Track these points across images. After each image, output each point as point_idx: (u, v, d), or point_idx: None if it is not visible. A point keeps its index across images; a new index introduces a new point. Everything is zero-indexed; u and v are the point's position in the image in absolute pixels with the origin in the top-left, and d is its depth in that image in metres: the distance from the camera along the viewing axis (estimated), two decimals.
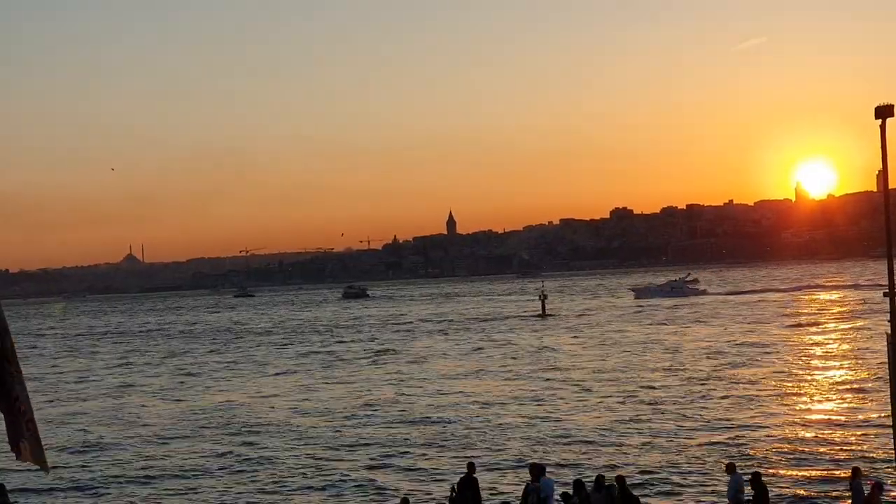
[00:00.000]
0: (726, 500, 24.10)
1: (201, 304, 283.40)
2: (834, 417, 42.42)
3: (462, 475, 25.49)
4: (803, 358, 66.28)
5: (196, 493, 34.49)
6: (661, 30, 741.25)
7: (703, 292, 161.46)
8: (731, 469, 24.11)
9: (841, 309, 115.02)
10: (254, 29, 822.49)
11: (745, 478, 23.23)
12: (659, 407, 47.16)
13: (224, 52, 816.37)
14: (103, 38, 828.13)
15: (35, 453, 7.95)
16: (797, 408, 45.70)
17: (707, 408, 46.05)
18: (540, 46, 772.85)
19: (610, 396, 51.72)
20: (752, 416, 43.06)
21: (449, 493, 25.26)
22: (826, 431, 38.87)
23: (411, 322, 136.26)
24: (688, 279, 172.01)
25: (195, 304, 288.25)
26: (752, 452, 35.23)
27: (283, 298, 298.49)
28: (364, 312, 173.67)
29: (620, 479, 23.89)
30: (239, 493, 33.99)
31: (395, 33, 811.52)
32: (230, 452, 41.01)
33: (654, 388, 54.08)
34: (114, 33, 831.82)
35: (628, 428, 41.80)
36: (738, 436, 38.71)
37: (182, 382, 71.76)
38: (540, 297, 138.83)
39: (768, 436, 38.37)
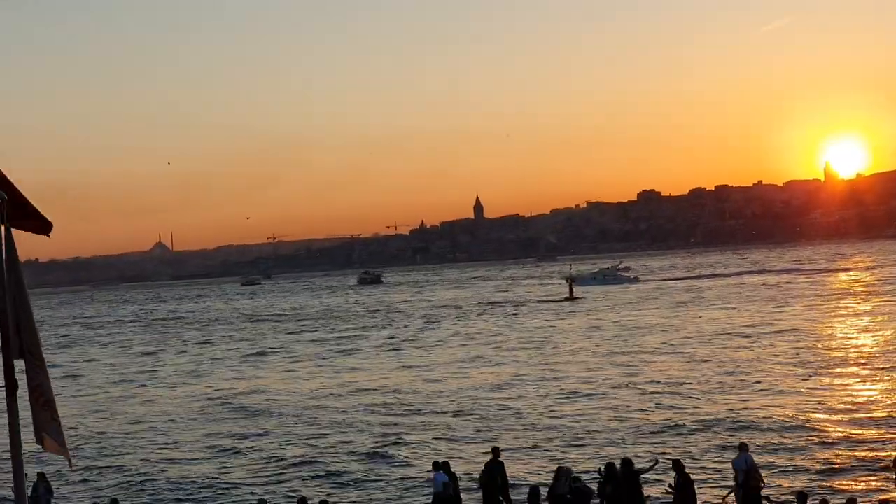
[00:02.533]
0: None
1: (188, 295, 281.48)
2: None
3: (488, 460, 25.64)
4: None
5: (217, 477, 34.78)
6: (687, 11, 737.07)
7: (635, 280, 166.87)
8: (744, 448, 24.21)
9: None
10: (279, 20, 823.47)
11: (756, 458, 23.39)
12: (667, 391, 47.29)
13: (242, 42, 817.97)
14: (133, 27, 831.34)
15: (58, 445, 8.05)
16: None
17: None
18: (565, 31, 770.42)
19: (626, 381, 51.54)
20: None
21: (479, 478, 25.38)
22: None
23: (424, 308, 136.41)
24: (619, 267, 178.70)
25: (184, 294, 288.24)
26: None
27: (296, 286, 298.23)
28: (372, 299, 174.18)
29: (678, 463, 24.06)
30: (254, 484, 33.98)
31: (419, 19, 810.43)
32: (235, 446, 40.78)
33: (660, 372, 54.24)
34: (145, 20, 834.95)
35: (647, 412, 41.77)
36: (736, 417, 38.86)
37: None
38: (567, 280, 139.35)
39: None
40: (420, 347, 78.05)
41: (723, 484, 27.46)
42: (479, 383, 54.25)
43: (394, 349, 78.37)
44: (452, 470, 25.74)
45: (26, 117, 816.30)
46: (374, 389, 54.46)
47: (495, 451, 25.74)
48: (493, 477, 24.62)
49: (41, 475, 27.26)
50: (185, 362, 79.43)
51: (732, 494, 23.63)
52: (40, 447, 8.03)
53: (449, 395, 50.43)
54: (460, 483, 25.82)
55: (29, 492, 25.68)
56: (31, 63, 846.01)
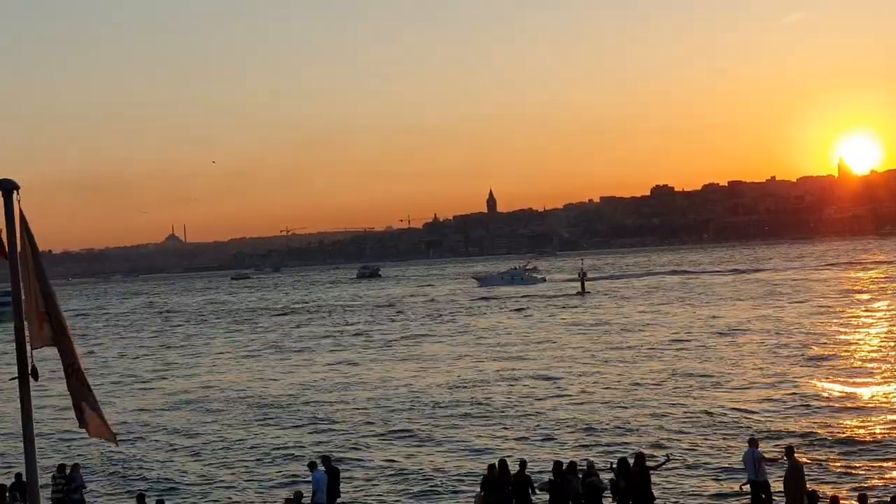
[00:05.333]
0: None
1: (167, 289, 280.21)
2: None
3: (515, 472, 25.50)
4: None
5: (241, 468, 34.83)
6: (702, 4, 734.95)
7: (542, 280, 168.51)
8: (753, 443, 24.20)
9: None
10: (289, 16, 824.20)
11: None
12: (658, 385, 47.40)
13: (254, 37, 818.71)
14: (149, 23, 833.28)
15: (99, 428, 8.19)
16: None
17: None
18: (579, 24, 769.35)
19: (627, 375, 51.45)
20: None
21: (487, 472, 25.31)
22: None
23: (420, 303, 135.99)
24: (528, 268, 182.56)
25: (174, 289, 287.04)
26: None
27: (291, 279, 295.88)
28: (365, 293, 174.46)
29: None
30: (269, 480, 33.62)
31: (434, 13, 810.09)
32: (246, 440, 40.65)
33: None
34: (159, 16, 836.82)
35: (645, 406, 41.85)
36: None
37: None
38: (579, 274, 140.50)
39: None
40: (408, 345, 76.49)
41: (725, 478, 27.61)
42: (468, 379, 53.68)
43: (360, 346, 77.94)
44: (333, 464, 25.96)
45: (63, 111, 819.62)
46: (379, 387, 53.96)
47: (522, 464, 24.82)
48: (504, 471, 24.22)
49: (75, 466, 27.24)
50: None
51: (748, 486, 23.71)
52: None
53: (442, 391, 50.02)
54: (464, 482, 25.51)
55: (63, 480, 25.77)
56: (64, 55, 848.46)
